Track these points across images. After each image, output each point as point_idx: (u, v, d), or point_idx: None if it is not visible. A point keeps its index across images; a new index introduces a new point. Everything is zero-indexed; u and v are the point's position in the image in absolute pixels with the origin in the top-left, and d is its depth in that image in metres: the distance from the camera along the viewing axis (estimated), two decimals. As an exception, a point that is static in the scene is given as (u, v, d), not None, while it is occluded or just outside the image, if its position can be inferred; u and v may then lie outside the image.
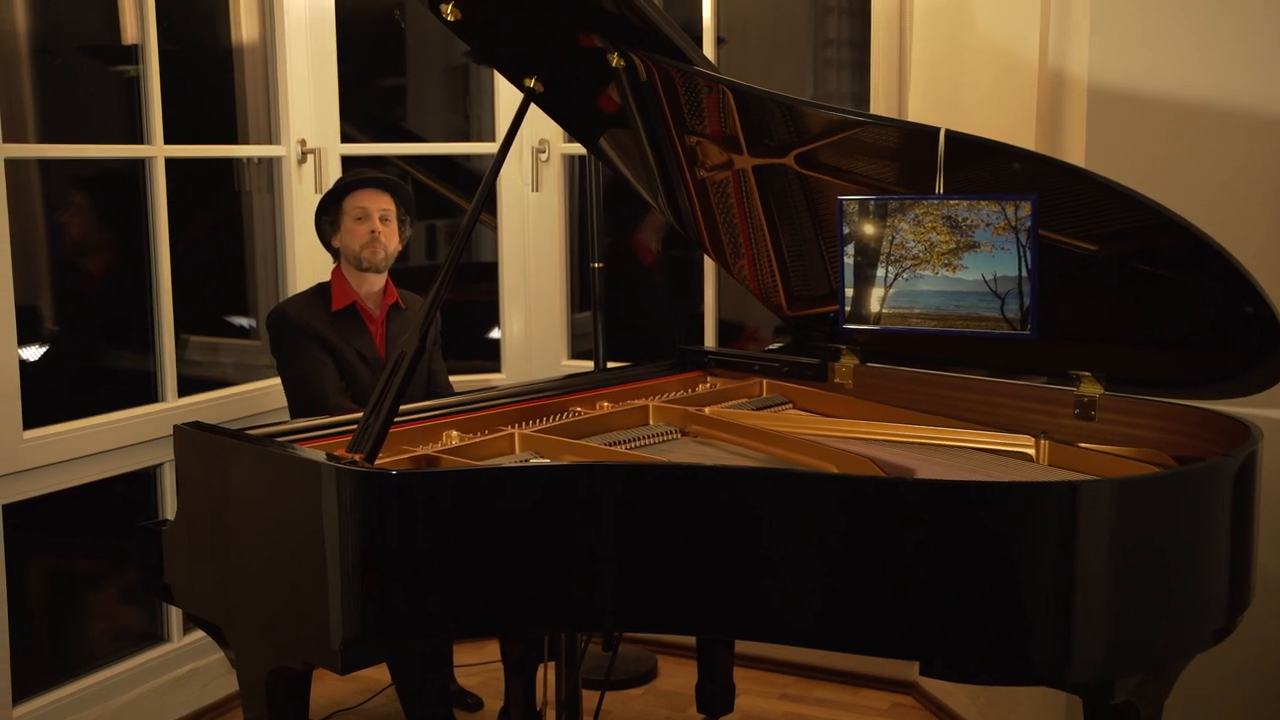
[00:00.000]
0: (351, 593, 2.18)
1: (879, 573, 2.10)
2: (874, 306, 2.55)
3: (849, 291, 2.58)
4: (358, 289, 3.51)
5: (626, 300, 4.69)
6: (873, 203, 2.50)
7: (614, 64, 2.73)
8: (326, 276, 3.60)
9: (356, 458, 2.28)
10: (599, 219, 3.89)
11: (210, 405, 3.75)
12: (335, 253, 3.55)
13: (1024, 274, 2.39)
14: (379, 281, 3.54)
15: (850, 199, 2.53)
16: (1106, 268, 2.46)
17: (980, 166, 2.38)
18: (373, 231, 3.45)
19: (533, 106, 2.83)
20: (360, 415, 2.43)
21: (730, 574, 2.16)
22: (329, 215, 3.52)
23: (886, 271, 2.51)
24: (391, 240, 3.50)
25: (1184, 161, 2.82)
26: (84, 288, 3.76)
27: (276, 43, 4.02)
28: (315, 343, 3.42)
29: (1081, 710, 2.28)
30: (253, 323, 4.23)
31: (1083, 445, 2.60)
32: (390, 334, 3.54)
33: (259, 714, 2.45)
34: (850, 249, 2.55)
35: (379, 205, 3.49)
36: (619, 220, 4.73)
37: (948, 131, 2.31)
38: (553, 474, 2.26)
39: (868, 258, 2.53)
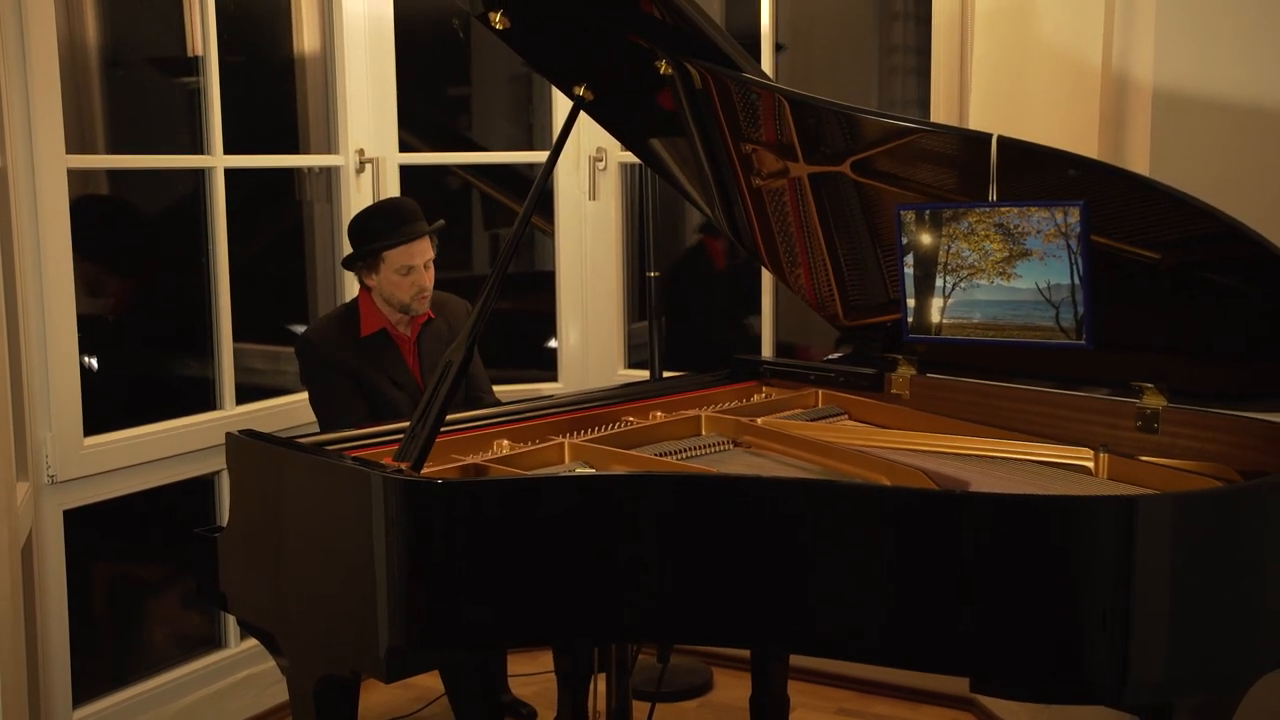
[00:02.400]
0: (397, 601, 2.18)
1: (931, 588, 2.07)
2: (934, 317, 2.52)
3: (910, 302, 2.54)
4: (388, 315, 3.46)
5: (690, 308, 4.68)
6: (929, 212, 2.46)
7: (663, 71, 2.71)
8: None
9: (403, 466, 2.28)
10: (656, 228, 3.87)
11: (267, 413, 3.78)
12: (363, 282, 3.48)
13: (1076, 282, 2.34)
14: None
15: (908, 209, 2.50)
16: (1170, 277, 2.40)
17: (1036, 173, 2.34)
18: (420, 286, 3.40)
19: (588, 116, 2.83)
20: (408, 425, 2.44)
21: (779, 587, 2.14)
22: (365, 262, 3.42)
23: (945, 281, 2.48)
24: (432, 280, 3.44)
25: (1253, 167, 2.76)
26: (146, 297, 3.81)
27: (336, 53, 4.05)
28: (344, 377, 3.37)
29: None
30: (311, 331, 4.26)
31: (1144, 459, 2.54)
32: (424, 352, 3.50)
33: (307, 721, 2.47)
34: (910, 259, 2.52)
35: (425, 256, 3.40)
36: (682, 229, 4.72)
37: (1000, 138, 2.27)
38: (599, 483, 2.24)
39: (927, 267, 2.50)
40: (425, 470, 2.34)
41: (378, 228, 3.41)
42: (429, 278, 3.43)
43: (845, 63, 4.74)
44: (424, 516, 2.17)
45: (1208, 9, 2.77)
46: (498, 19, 2.62)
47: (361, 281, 3.48)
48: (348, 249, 4.02)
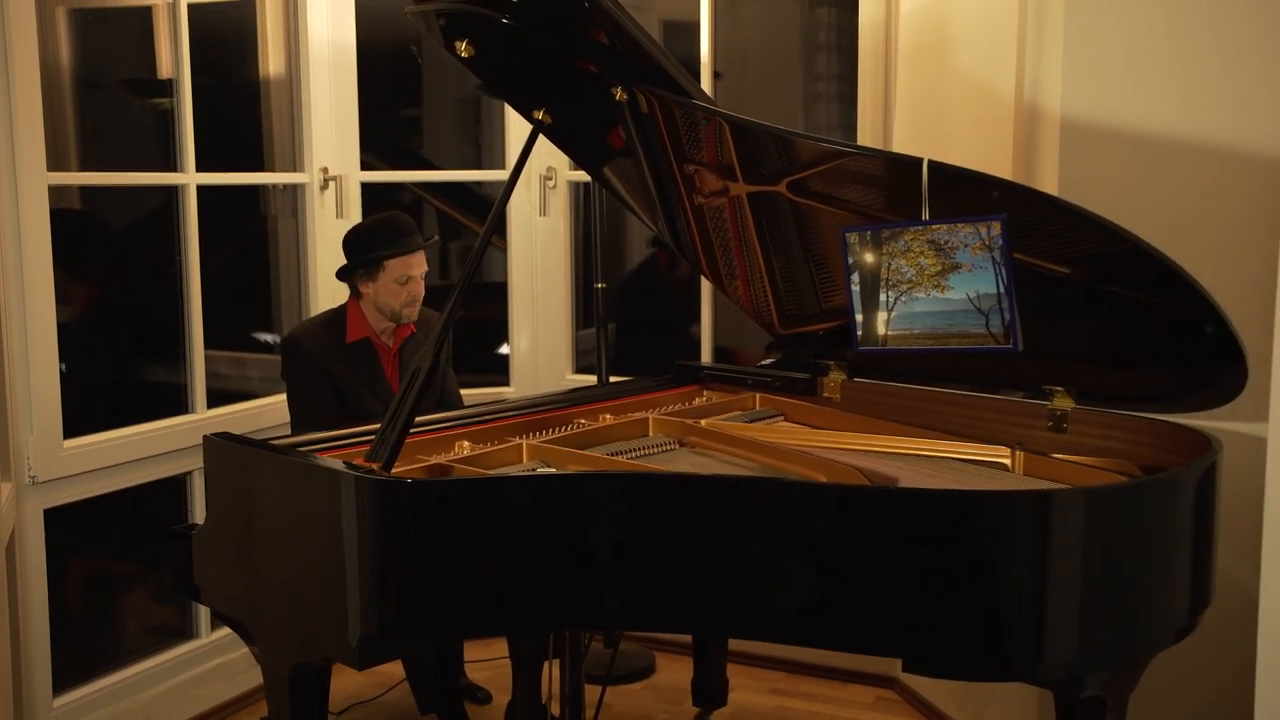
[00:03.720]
0: (369, 593, 2.18)
1: (866, 576, 2.11)
2: (881, 329, 2.58)
3: (859, 317, 2.60)
4: (374, 325, 3.43)
5: (632, 317, 4.71)
6: (870, 233, 2.52)
7: (617, 97, 2.74)
8: (346, 297, 3.59)
9: (374, 466, 2.29)
10: (602, 242, 3.90)
11: (237, 416, 3.76)
12: (356, 290, 3.43)
13: (1001, 290, 2.40)
14: None
15: (852, 231, 2.55)
16: (1078, 290, 2.47)
17: (962, 194, 2.39)
18: (415, 296, 3.37)
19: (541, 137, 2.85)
20: (378, 427, 2.44)
21: (726, 576, 2.17)
22: (365, 270, 3.37)
23: (888, 295, 2.54)
24: (423, 291, 3.42)
25: (1151, 190, 2.83)
26: (118, 306, 3.77)
27: (301, 76, 4.04)
28: (325, 380, 3.34)
29: (1053, 703, 2.29)
30: (276, 339, 4.24)
31: (1055, 456, 2.60)
32: (404, 362, 3.46)
33: (281, 707, 2.46)
34: (856, 277, 2.57)
35: (422, 268, 3.38)
36: (625, 243, 4.75)
37: (931, 161, 2.32)
38: (560, 482, 2.26)
39: (871, 284, 2.55)
40: (394, 470, 2.34)
41: (379, 239, 3.38)
42: (421, 288, 3.41)
43: (774, 90, 4.80)
44: (395, 513, 2.18)
45: (1110, 47, 2.84)
46: (463, 47, 2.64)
47: (355, 289, 3.43)
48: (314, 262, 4.01)
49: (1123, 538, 2.14)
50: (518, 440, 2.72)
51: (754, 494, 2.19)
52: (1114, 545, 2.13)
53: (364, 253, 3.37)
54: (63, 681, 3.28)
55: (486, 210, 4.77)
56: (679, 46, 4.34)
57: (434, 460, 2.57)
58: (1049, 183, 2.93)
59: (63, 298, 3.30)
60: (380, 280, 3.37)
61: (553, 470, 2.53)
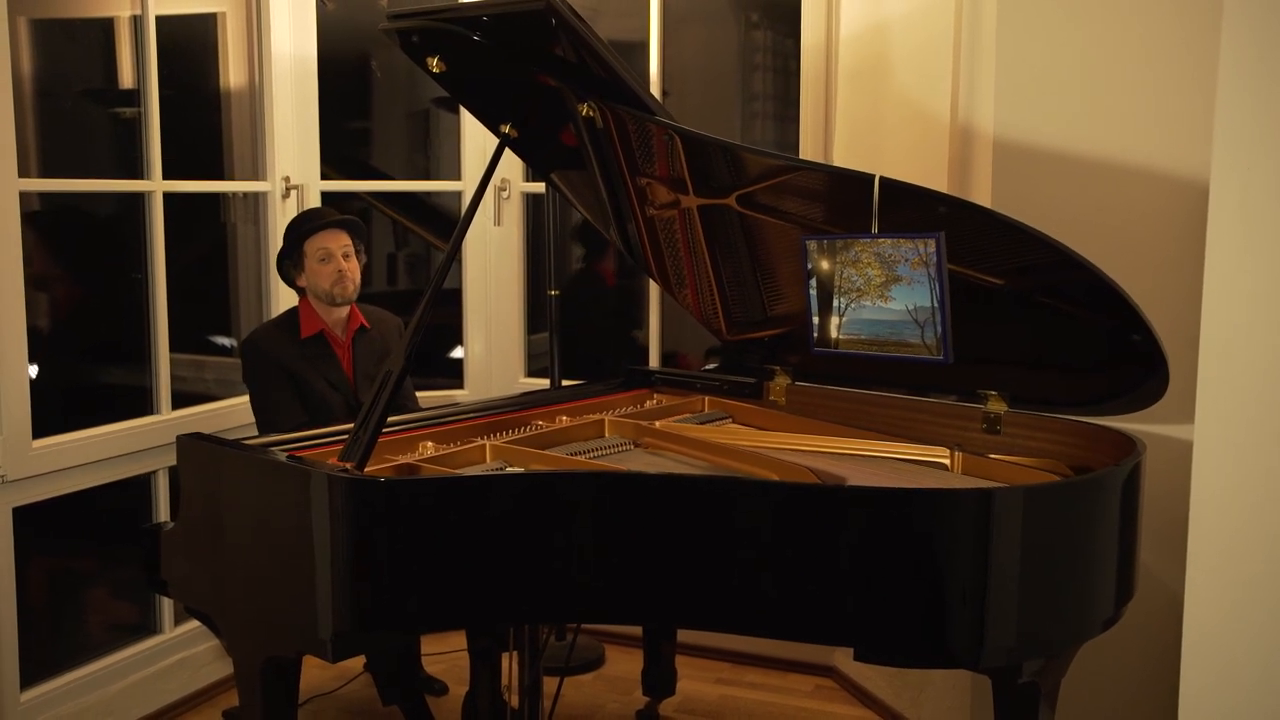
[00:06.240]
0: (344, 589, 2.17)
1: (818, 570, 2.13)
2: (833, 333, 2.60)
3: (815, 319, 2.63)
4: (325, 318, 3.42)
5: (580, 323, 4.70)
6: (827, 242, 2.55)
7: (585, 114, 2.73)
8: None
9: (348, 466, 2.27)
10: (555, 251, 3.90)
11: (201, 417, 3.70)
12: (300, 289, 3.44)
13: (935, 305, 2.43)
14: (345, 309, 3.45)
15: (812, 239, 2.58)
16: (1012, 299, 2.51)
17: (909, 209, 2.41)
18: (339, 270, 3.36)
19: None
20: (348, 427, 2.42)
21: (689, 570, 2.17)
22: (291, 259, 3.40)
23: (839, 301, 2.56)
24: (355, 273, 3.41)
25: (1079, 207, 2.87)
26: (82, 311, 3.69)
27: (264, 88, 3.99)
28: (283, 375, 3.32)
29: (985, 687, 2.33)
30: (234, 342, 4.18)
31: (991, 456, 2.64)
32: (358, 356, 3.46)
33: (253, 699, 2.43)
34: (813, 282, 2.60)
35: (340, 244, 3.38)
36: (571, 253, 4.74)
37: (882, 178, 2.35)
38: (532, 481, 2.26)
39: (826, 289, 2.58)
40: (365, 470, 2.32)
41: (295, 226, 3.43)
42: (351, 268, 3.39)
43: (713, 109, 4.82)
44: (371, 511, 2.16)
45: (1039, 72, 2.90)
46: (435, 63, 2.63)
47: (296, 286, 3.45)
48: (274, 266, 3.97)
49: (1057, 533, 2.18)
50: (481, 441, 2.71)
51: (716, 492, 2.20)
52: (1049, 540, 2.17)
53: (286, 245, 3.41)
54: (29, 676, 3.21)
55: (435, 219, 4.76)
56: (630, 65, 4.34)
57: (401, 460, 2.55)
58: (982, 200, 2.97)
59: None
60: (307, 267, 3.39)
61: (519, 469, 2.53)
